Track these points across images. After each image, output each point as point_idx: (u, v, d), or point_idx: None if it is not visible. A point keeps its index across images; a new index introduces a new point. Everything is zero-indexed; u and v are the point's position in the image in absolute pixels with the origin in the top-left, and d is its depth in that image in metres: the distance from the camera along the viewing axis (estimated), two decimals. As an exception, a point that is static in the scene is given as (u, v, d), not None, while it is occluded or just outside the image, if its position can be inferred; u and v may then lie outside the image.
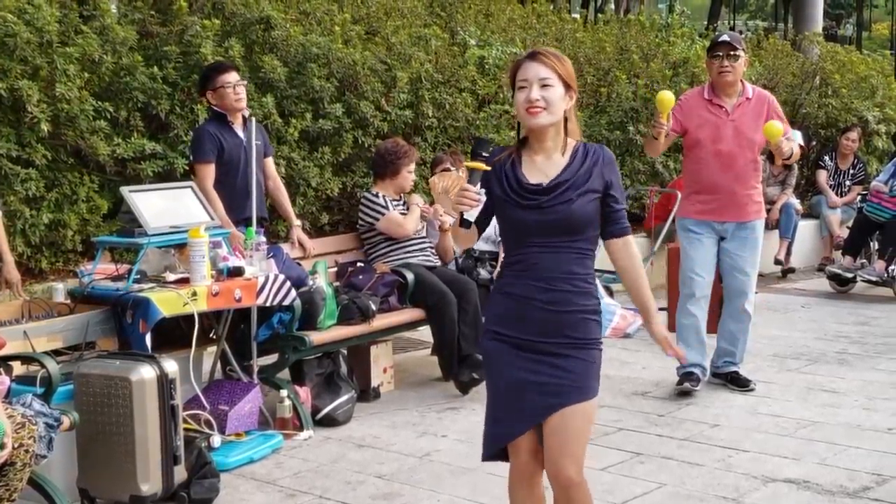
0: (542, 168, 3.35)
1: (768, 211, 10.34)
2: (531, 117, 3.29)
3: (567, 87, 3.32)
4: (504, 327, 3.38)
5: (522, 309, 3.34)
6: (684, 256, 6.38)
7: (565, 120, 3.36)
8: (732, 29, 32.15)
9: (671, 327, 7.22)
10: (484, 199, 3.30)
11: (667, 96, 5.87)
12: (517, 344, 3.36)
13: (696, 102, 6.26)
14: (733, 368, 6.46)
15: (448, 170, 6.99)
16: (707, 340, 6.40)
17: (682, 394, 6.23)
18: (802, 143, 10.61)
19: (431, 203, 7.08)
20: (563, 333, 3.33)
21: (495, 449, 3.48)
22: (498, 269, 6.71)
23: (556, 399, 3.33)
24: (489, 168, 3.31)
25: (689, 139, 6.25)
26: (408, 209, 6.80)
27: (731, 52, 6.14)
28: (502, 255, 6.71)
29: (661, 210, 9.74)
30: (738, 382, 6.41)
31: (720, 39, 6.28)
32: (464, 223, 3.35)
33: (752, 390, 6.35)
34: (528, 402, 3.35)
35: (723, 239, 6.29)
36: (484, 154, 3.31)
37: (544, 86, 3.28)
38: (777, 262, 10.55)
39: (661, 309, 8.33)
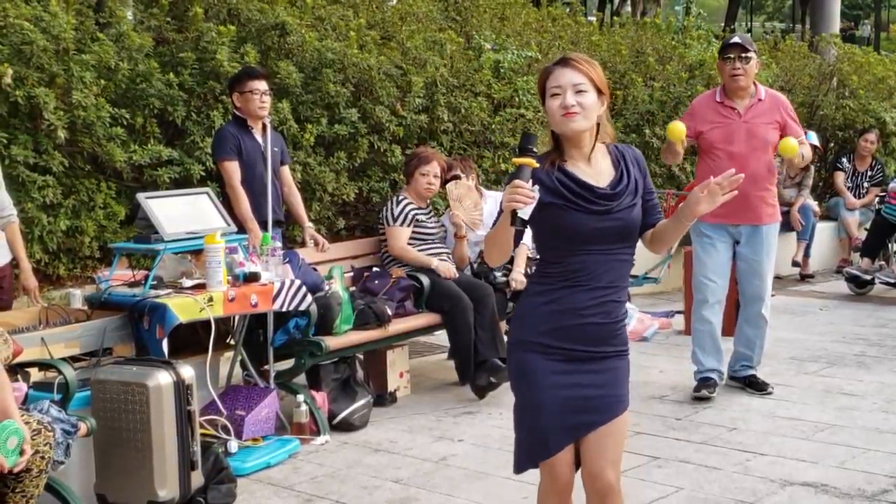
0: (590, 173, 3.26)
1: (787, 213, 10.35)
2: (568, 121, 3.22)
3: (599, 92, 3.27)
4: (551, 339, 3.29)
5: (572, 319, 3.26)
6: (697, 261, 6.34)
7: (597, 125, 3.31)
8: (749, 31, 32.05)
9: (687, 331, 7.22)
10: (538, 195, 3.08)
11: (679, 127, 5.91)
12: (564, 357, 3.29)
13: (709, 105, 6.24)
14: (751, 372, 6.44)
15: (458, 177, 6.99)
16: (723, 344, 6.37)
17: (700, 399, 6.20)
18: (818, 144, 10.60)
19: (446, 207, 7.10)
20: (607, 343, 3.31)
21: (532, 464, 3.39)
22: (515, 271, 6.67)
23: (599, 415, 3.31)
24: (538, 165, 3.14)
25: (702, 142, 6.22)
26: (432, 216, 6.79)
27: (743, 55, 6.11)
28: (521, 257, 6.71)
29: (677, 213, 9.72)
30: (756, 386, 6.39)
31: (731, 42, 6.24)
32: (517, 221, 3.10)
33: (769, 393, 6.32)
34: (572, 418, 3.30)
35: (737, 243, 6.26)
36: (532, 149, 3.14)
37: (578, 91, 3.22)
38: (795, 263, 10.51)
39: (677, 312, 8.37)
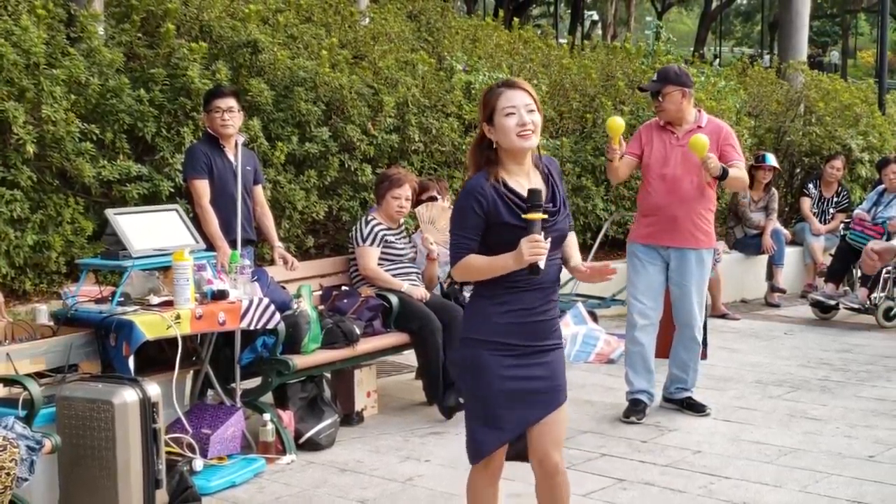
0: (536, 184, 3.60)
1: (759, 235, 10.43)
2: (524, 140, 3.56)
3: (538, 112, 3.63)
4: (501, 336, 3.61)
5: (523, 318, 3.61)
6: (629, 282, 6.40)
7: None
8: (718, 56, 32.32)
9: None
10: (549, 246, 3.46)
11: (616, 122, 5.95)
12: (514, 352, 3.62)
13: (653, 130, 6.34)
14: (687, 394, 6.48)
15: (434, 198, 7.01)
16: (654, 366, 6.42)
17: (629, 423, 6.23)
18: (776, 165, 10.70)
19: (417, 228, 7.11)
20: (550, 336, 3.69)
21: (487, 453, 3.68)
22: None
23: (545, 406, 3.67)
24: (546, 216, 3.47)
25: (643, 167, 6.32)
26: (403, 237, 6.80)
27: (658, 93, 6.20)
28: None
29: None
30: (693, 407, 6.43)
31: (643, 86, 6.45)
32: (535, 271, 3.46)
33: (707, 415, 6.36)
34: (521, 407, 3.63)
35: (669, 266, 6.33)
36: (541, 204, 3.46)
37: (530, 111, 3.56)
38: (778, 289, 10.55)
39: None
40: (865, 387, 7.20)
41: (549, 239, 3.50)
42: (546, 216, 3.48)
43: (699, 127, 6.21)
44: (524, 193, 3.53)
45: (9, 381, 4.53)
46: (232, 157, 6.17)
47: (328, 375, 6.21)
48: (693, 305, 6.30)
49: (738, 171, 6.20)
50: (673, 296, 6.38)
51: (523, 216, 3.45)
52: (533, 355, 3.64)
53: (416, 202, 6.95)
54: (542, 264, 3.43)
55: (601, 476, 5.28)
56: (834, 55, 39.43)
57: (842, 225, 10.59)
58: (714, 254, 9.21)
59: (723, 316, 9.68)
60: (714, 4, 34.09)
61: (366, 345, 6.19)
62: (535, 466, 3.75)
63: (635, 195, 10.25)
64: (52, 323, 5.16)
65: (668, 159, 6.20)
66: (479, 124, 3.66)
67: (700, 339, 6.44)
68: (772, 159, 10.64)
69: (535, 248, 3.41)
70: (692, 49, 25.52)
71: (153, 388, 4.53)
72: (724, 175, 6.03)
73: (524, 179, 3.61)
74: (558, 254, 3.69)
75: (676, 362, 6.48)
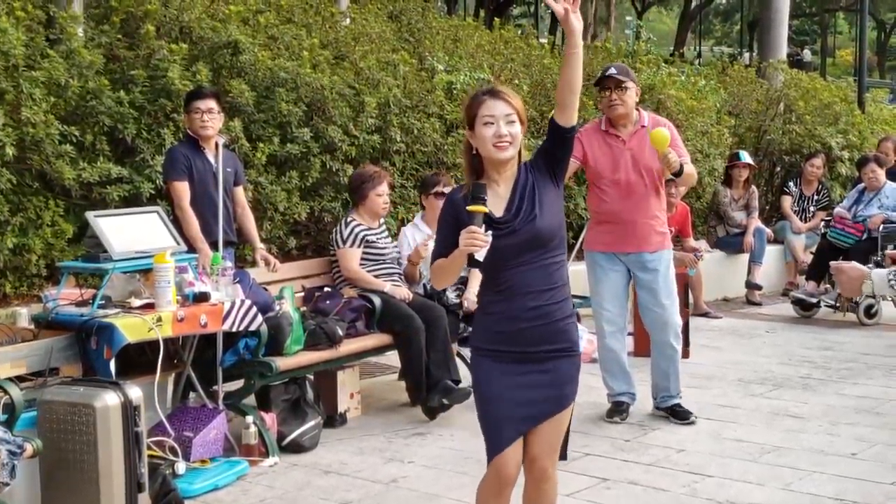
0: (502, 195, 3.62)
1: (741, 234, 10.47)
2: (500, 151, 3.57)
3: (521, 122, 3.62)
4: (493, 343, 3.64)
5: (509, 325, 3.60)
6: (592, 291, 6.40)
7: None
8: (699, 55, 32.44)
9: (636, 352, 7.27)
10: (490, 240, 3.45)
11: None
12: (507, 358, 3.62)
13: (594, 135, 6.27)
14: (674, 402, 6.37)
15: (443, 194, 6.99)
16: (630, 367, 6.46)
17: (613, 422, 6.26)
18: (751, 162, 10.76)
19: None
20: (548, 342, 3.62)
21: (492, 455, 3.64)
22: (469, 292, 6.66)
23: (545, 407, 3.64)
24: (487, 210, 3.48)
25: (590, 172, 6.25)
26: (385, 236, 6.79)
27: (619, 85, 6.17)
28: (475, 278, 6.70)
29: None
30: (677, 415, 6.31)
31: (607, 73, 6.27)
32: (474, 263, 3.48)
33: (692, 423, 6.26)
34: (521, 412, 3.62)
35: (631, 272, 6.31)
36: (483, 197, 3.47)
37: (509, 122, 3.57)
38: (753, 285, 10.60)
39: (628, 334, 8.39)
40: (847, 384, 7.23)
41: (513, 243, 3.52)
42: (486, 210, 3.47)
43: (642, 127, 6.18)
44: (491, 210, 3.54)
45: (-11, 386, 4.50)
46: (212, 159, 6.16)
47: (311, 377, 6.20)
48: (665, 308, 6.25)
49: (690, 167, 6.23)
50: (642, 301, 6.36)
51: (466, 208, 3.49)
52: (530, 362, 3.61)
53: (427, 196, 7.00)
54: (479, 256, 3.44)
55: (585, 476, 5.29)
56: (806, 54, 39.50)
57: (822, 223, 10.63)
58: (695, 253, 9.33)
59: (704, 314, 9.70)
60: (693, 4, 34.19)
61: (349, 346, 6.18)
62: (525, 469, 3.73)
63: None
64: (32, 326, 5.14)
65: (619, 164, 6.15)
66: (465, 129, 3.68)
67: (678, 345, 6.36)
68: (746, 156, 10.70)
69: (470, 239, 3.42)
70: (672, 49, 25.60)
71: (135, 392, 4.50)
72: (680, 171, 6.04)
73: (503, 187, 3.62)
74: (543, 257, 3.59)
75: (657, 371, 6.42)
